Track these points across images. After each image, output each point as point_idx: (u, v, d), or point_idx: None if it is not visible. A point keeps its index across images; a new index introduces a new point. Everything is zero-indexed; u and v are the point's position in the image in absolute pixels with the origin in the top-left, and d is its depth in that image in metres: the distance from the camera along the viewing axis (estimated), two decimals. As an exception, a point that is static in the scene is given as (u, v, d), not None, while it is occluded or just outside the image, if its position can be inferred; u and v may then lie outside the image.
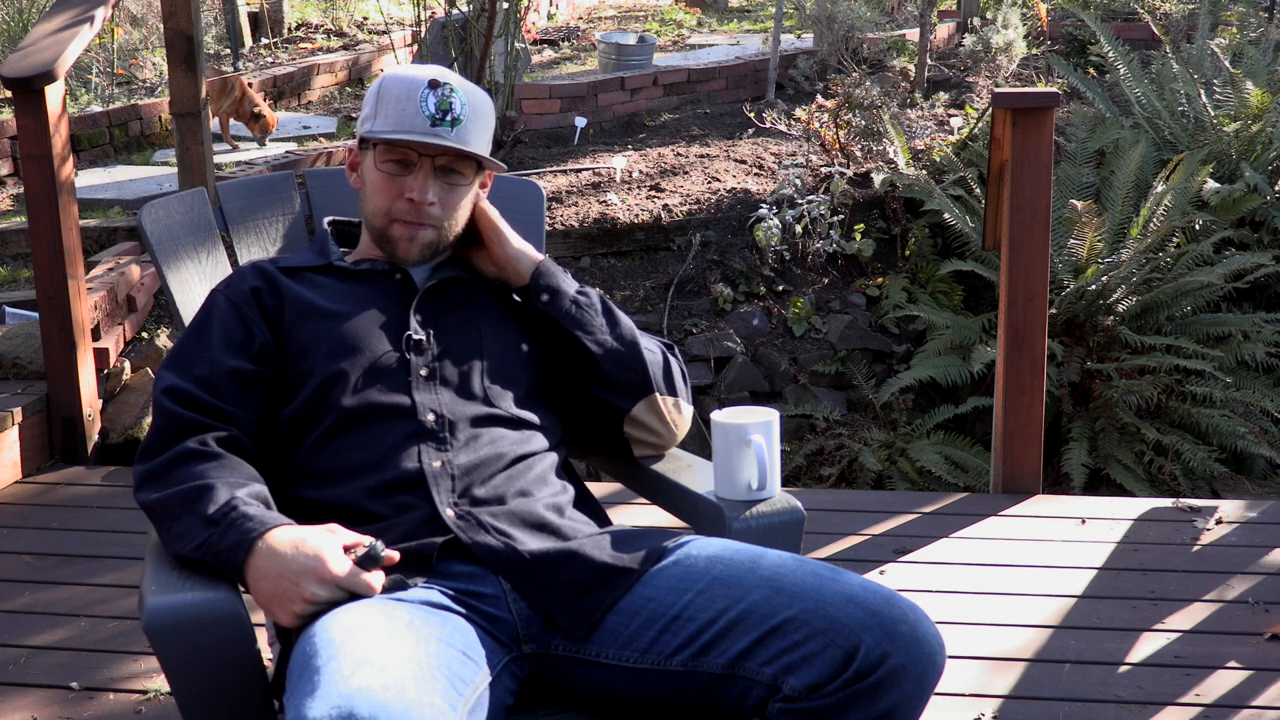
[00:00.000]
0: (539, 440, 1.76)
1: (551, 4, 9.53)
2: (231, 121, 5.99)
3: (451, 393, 1.71)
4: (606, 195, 5.21)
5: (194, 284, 2.06)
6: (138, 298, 4.31)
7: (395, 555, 1.54)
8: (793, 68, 7.04)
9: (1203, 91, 5.33)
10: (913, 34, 7.16)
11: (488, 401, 1.73)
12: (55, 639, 2.72)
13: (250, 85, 5.97)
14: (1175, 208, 4.69)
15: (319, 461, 1.67)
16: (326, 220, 1.96)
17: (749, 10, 9.98)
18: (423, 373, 1.71)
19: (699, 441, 4.02)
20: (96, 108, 6.38)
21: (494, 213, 1.85)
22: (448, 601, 1.54)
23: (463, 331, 1.77)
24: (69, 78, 6.54)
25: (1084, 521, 3.29)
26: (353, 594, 1.49)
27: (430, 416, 1.68)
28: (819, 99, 5.81)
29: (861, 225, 5.11)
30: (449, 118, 1.74)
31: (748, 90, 6.98)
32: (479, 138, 1.79)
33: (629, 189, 5.29)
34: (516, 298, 1.87)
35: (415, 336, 1.73)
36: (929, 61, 6.75)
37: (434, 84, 1.75)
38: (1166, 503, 3.42)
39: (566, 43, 8.53)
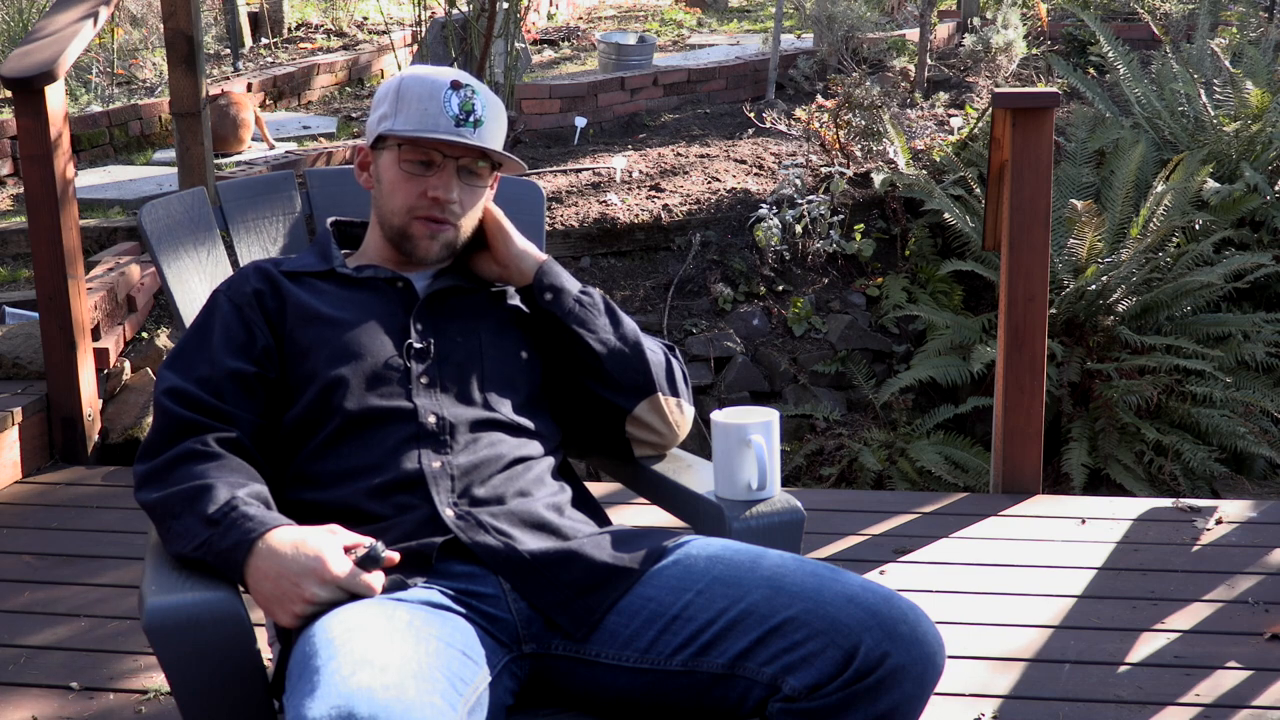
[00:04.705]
0: (537, 445, 1.76)
1: (551, 4, 9.53)
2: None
3: (451, 399, 1.72)
4: (606, 195, 5.21)
5: (194, 284, 2.06)
6: (138, 298, 4.31)
7: (395, 556, 1.54)
8: (793, 68, 7.04)
9: (1203, 91, 5.33)
10: (913, 34, 7.16)
11: (487, 407, 1.73)
12: (55, 639, 2.72)
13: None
14: (1175, 208, 4.69)
15: (320, 465, 1.67)
16: (329, 221, 1.96)
17: (749, 10, 9.98)
18: (423, 380, 1.72)
19: (699, 441, 4.02)
20: (96, 108, 6.38)
21: (499, 213, 1.86)
22: (448, 601, 1.54)
23: (463, 339, 1.78)
24: (69, 78, 6.54)
25: (1084, 521, 3.29)
26: (353, 594, 1.49)
27: (431, 419, 1.68)
28: (819, 99, 5.81)
29: (861, 225, 5.11)
30: (471, 119, 1.76)
31: (748, 90, 6.98)
32: (497, 139, 1.80)
33: (629, 189, 5.29)
34: (517, 301, 1.87)
35: (416, 345, 1.74)
36: (929, 61, 6.75)
37: (456, 85, 1.76)
38: (1166, 503, 3.42)
39: (566, 43, 8.53)
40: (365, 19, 8.73)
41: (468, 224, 1.81)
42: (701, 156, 5.69)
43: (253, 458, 1.65)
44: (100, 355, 3.90)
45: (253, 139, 5.95)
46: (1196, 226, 4.85)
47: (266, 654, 1.70)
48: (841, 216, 5.13)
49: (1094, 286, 4.57)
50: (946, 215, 4.97)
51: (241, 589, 1.51)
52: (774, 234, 4.94)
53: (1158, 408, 4.44)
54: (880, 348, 4.92)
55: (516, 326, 1.85)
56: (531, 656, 1.57)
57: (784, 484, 1.83)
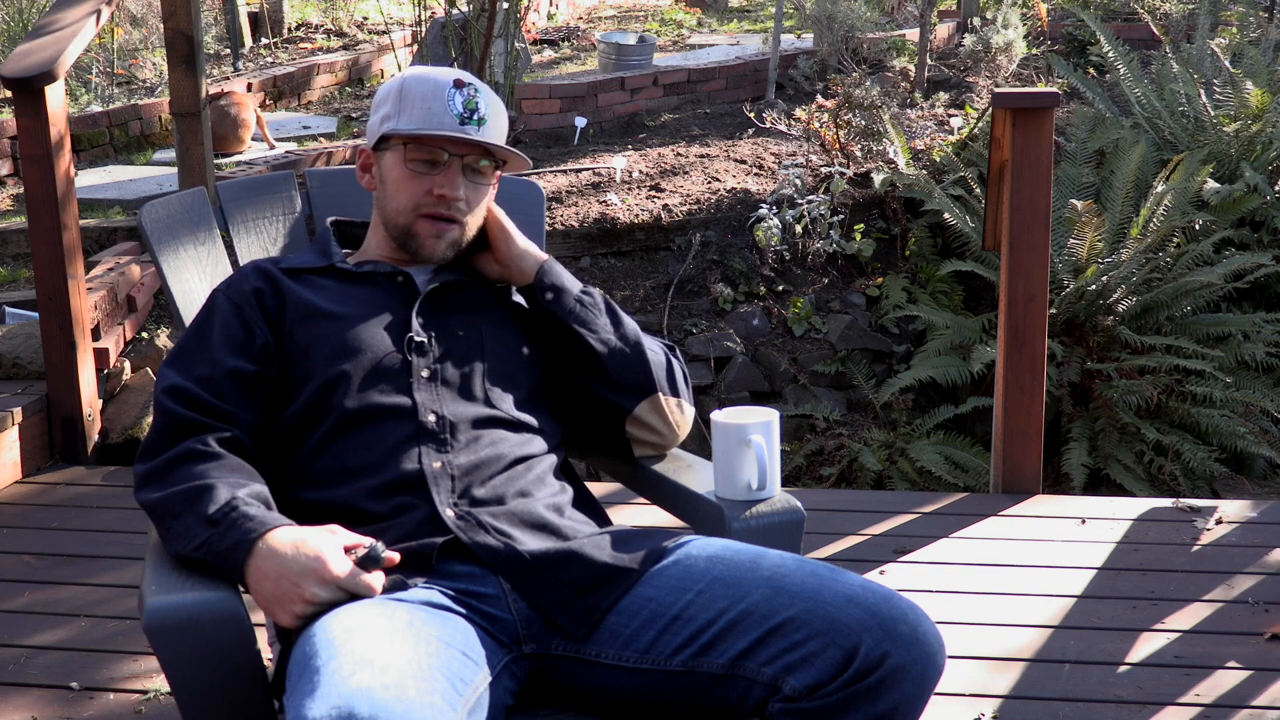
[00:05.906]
0: (539, 442, 1.76)
1: (551, 4, 9.53)
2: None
3: (453, 394, 1.72)
4: (606, 195, 5.21)
5: (194, 284, 2.06)
6: (138, 298, 4.31)
7: (396, 556, 1.54)
8: (793, 68, 7.04)
9: (1203, 91, 5.33)
10: (913, 34, 7.16)
11: (488, 403, 1.73)
12: (55, 639, 2.72)
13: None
14: (1175, 208, 4.69)
15: (320, 463, 1.67)
16: (329, 220, 1.97)
17: (749, 10, 9.98)
18: (424, 374, 1.72)
19: (699, 441, 4.02)
20: (96, 108, 6.38)
21: (500, 212, 1.87)
22: (448, 602, 1.54)
23: (465, 334, 1.78)
24: (69, 78, 6.54)
25: (1084, 521, 3.29)
26: (353, 595, 1.49)
27: (431, 417, 1.68)
28: (819, 99, 5.81)
29: (861, 225, 5.11)
30: (476, 116, 1.76)
31: (748, 90, 6.98)
32: (500, 137, 1.82)
33: (629, 189, 5.29)
34: (518, 298, 1.88)
35: (417, 339, 1.74)
36: (929, 61, 6.75)
37: (459, 83, 1.77)
38: (1166, 503, 3.42)
39: (566, 43, 8.53)
40: (365, 19, 8.73)
41: (473, 222, 1.82)
42: (701, 156, 5.69)
43: (252, 457, 1.65)
44: (100, 355, 3.90)
45: (253, 139, 5.94)
46: (1196, 226, 4.85)
47: (266, 654, 1.70)
48: (841, 216, 5.13)
49: (1094, 286, 4.57)
50: (946, 215, 4.97)
51: (241, 589, 1.51)
52: (774, 234, 4.94)
53: (1158, 408, 4.44)
54: (880, 348, 4.92)
55: (518, 322, 1.85)
56: (531, 656, 1.57)
57: (784, 484, 1.83)
